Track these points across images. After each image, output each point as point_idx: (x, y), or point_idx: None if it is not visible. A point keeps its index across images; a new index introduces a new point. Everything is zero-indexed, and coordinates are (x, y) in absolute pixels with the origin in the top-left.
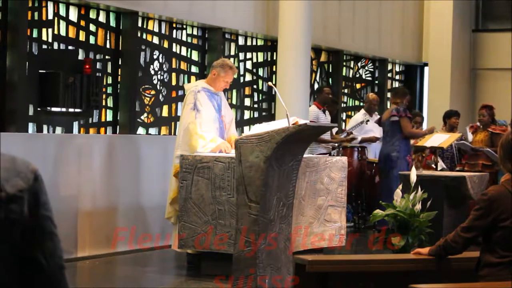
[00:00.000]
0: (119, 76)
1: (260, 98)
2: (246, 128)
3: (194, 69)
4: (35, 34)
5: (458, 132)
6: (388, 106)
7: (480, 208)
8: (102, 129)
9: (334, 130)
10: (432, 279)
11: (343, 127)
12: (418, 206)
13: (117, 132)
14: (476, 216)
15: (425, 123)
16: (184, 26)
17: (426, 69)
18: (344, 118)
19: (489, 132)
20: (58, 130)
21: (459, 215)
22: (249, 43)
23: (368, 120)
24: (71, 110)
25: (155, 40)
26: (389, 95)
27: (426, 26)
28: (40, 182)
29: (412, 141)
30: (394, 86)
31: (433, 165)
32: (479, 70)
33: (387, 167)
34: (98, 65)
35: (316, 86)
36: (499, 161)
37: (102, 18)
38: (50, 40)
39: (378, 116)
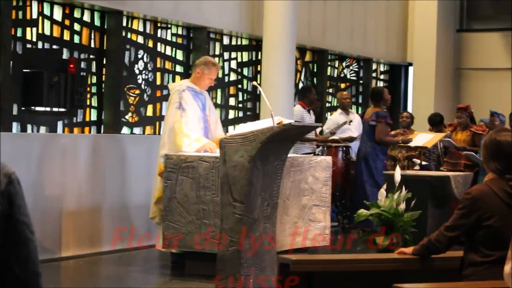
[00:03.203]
0: (103, 76)
1: (245, 98)
2: (230, 128)
3: (178, 68)
4: (19, 33)
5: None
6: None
7: (464, 207)
8: (87, 129)
9: (318, 129)
10: (416, 279)
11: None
12: (402, 206)
13: (102, 132)
14: (459, 215)
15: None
16: (169, 26)
17: (410, 68)
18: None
19: (471, 132)
20: (42, 129)
21: (443, 214)
22: (234, 42)
23: (351, 121)
24: (55, 109)
25: (140, 39)
26: None
27: (411, 26)
28: (15, 186)
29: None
30: (378, 86)
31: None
32: (463, 69)
33: (362, 167)
34: (83, 65)
35: (300, 85)
36: (482, 160)
37: (86, 17)
38: (34, 39)
39: (354, 114)
